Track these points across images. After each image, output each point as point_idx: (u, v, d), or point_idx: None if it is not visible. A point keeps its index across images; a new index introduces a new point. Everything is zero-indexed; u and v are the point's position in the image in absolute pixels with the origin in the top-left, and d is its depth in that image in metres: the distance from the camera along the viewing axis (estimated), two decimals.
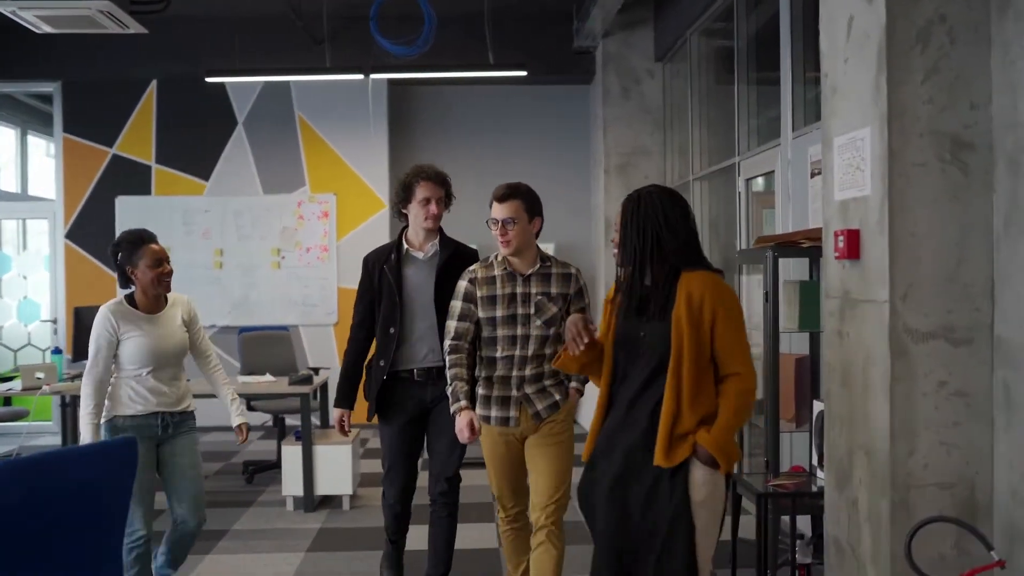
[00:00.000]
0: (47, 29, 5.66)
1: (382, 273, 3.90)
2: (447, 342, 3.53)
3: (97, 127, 8.52)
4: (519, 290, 3.46)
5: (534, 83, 8.54)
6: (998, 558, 2.41)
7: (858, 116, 2.98)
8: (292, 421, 7.29)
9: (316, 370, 6.61)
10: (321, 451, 5.65)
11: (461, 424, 3.45)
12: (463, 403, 3.45)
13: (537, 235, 3.51)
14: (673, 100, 7.93)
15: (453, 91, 8.91)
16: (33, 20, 5.46)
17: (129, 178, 8.52)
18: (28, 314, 8.92)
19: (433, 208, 3.85)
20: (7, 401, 6.79)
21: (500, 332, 3.45)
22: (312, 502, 5.64)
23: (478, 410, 3.51)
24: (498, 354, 3.46)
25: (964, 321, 2.80)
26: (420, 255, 3.92)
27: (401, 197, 3.91)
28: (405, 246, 3.94)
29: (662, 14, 7.89)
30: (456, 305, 3.53)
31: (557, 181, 8.67)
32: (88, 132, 8.53)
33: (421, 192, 3.84)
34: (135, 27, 5.74)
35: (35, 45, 7.71)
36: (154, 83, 8.51)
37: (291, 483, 5.64)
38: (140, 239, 3.79)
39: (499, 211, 3.43)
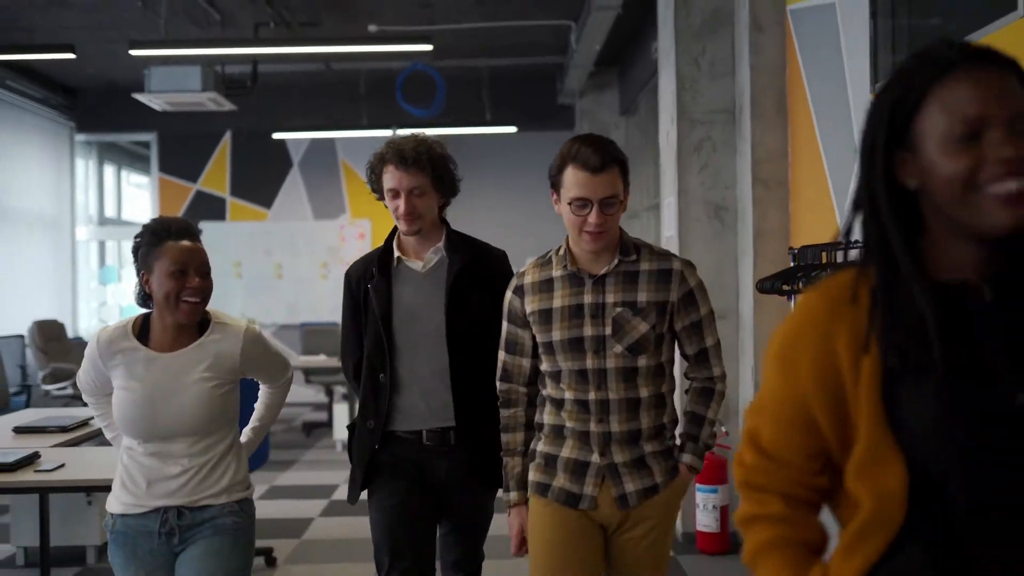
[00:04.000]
0: (167, 108, 7.96)
1: (367, 294, 2.71)
2: (497, 383, 2.48)
3: (184, 168, 10.86)
4: (587, 299, 2.31)
5: (526, 131, 10.77)
6: (724, 430, 4.61)
7: (670, 189, 5.17)
8: (341, 390, 9.57)
9: None
10: None
11: (514, 527, 2.43)
12: (515, 496, 2.41)
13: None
14: (633, 145, 10.11)
15: (460, 140, 11.17)
16: (159, 104, 7.76)
17: (209, 207, 10.85)
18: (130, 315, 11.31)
19: (403, 205, 2.60)
20: None
21: (564, 364, 2.32)
22: None
23: (533, 474, 2.39)
24: (567, 396, 2.32)
25: (720, 308, 4.98)
26: (418, 266, 2.69)
27: (375, 187, 2.71)
28: (396, 254, 2.70)
29: (623, 78, 10.06)
30: (505, 329, 2.45)
31: (543, 215, 10.87)
32: (177, 172, 10.87)
33: (388, 181, 2.63)
34: (228, 106, 8.04)
35: (138, 105, 10.04)
36: (228, 133, 10.83)
37: (340, 429, 7.89)
38: (165, 230, 2.42)
39: (593, 187, 2.24)
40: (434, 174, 2.64)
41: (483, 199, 10.79)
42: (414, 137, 2.67)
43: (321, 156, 10.88)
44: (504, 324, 2.44)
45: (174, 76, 7.39)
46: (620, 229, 2.35)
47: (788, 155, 4.57)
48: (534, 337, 2.37)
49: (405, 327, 2.67)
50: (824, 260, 3.43)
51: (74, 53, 5.84)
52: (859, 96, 3.73)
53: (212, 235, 10.92)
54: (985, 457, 1.14)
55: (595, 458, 2.30)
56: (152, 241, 2.41)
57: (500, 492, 2.57)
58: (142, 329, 2.47)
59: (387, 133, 10.04)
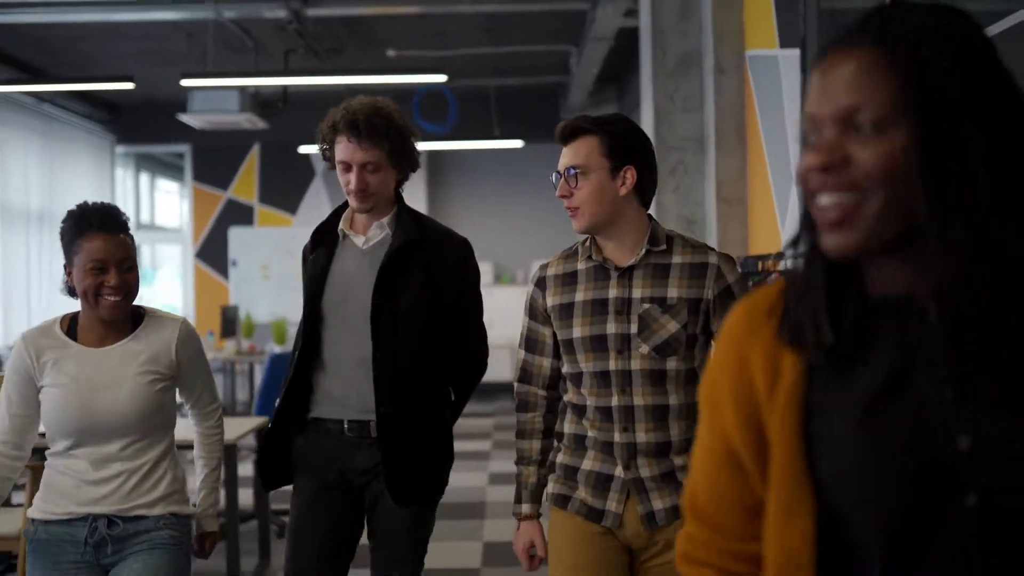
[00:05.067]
0: (205, 127, 8.83)
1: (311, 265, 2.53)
2: (515, 387, 2.28)
3: (216, 177, 11.73)
4: (612, 293, 2.11)
5: (532, 143, 11.61)
6: None
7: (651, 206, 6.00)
8: None
9: None
10: None
11: (521, 542, 2.24)
12: (526, 508, 2.22)
13: (647, 204, 2.20)
14: None
15: (471, 153, 12.03)
16: (200, 123, 8.63)
17: (239, 214, 11.72)
18: None
19: (354, 181, 2.39)
20: None
21: (585, 364, 2.12)
22: None
23: (552, 486, 2.19)
24: (589, 402, 2.12)
25: None
26: (360, 241, 2.49)
27: (326, 157, 2.51)
28: (341, 226, 2.51)
29: (621, 95, 10.90)
30: (525, 325, 2.28)
31: (546, 221, 11.73)
32: (209, 180, 11.75)
33: (339, 153, 2.42)
34: (261, 124, 8.90)
35: (172, 118, 10.92)
36: (257, 146, 11.70)
37: None
38: (86, 220, 2.28)
39: (562, 157, 2.15)
40: (391, 147, 2.40)
41: (491, 207, 11.64)
42: (372, 103, 2.41)
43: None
44: (525, 320, 2.27)
45: (214, 98, 8.27)
46: (650, 217, 2.18)
47: (746, 178, 5.41)
48: (555, 335, 2.19)
49: (335, 306, 2.47)
50: (760, 268, 4.24)
51: (133, 83, 6.69)
52: (795, 131, 4.56)
53: (242, 239, 11.81)
54: (909, 516, 0.90)
55: (619, 471, 2.08)
56: (73, 230, 2.29)
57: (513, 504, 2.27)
58: (71, 325, 2.35)
59: None
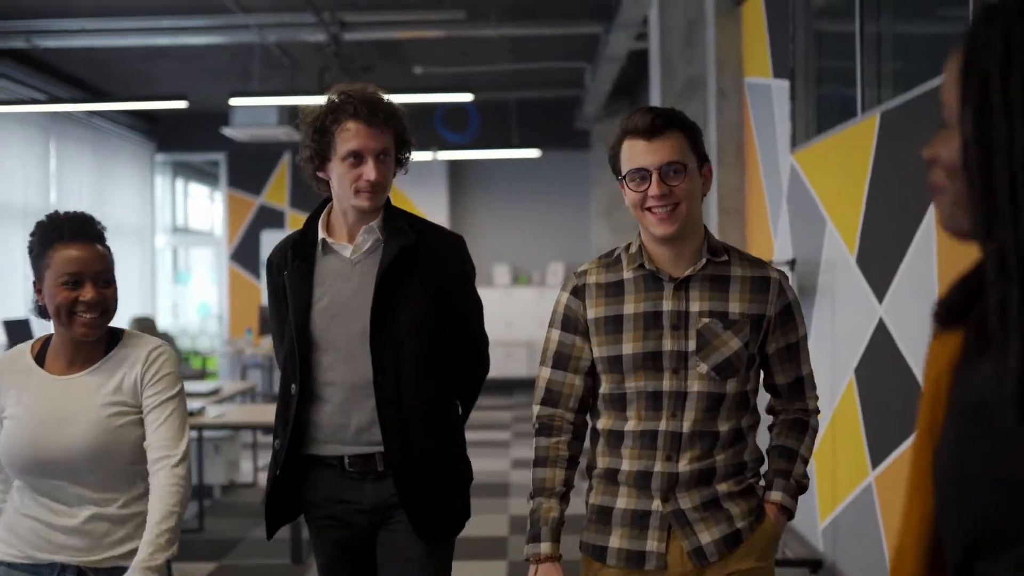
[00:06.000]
0: (246, 140, 9.49)
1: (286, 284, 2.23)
2: (534, 408, 2.04)
3: (249, 183, 12.39)
4: (667, 306, 1.92)
5: (549, 151, 12.24)
6: None
7: None
8: None
9: None
10: None
11: None
12: (546, 547, 1.93)
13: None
14: None
15: (491, 162, 12.66)
16: (241, 136, 9.28)
17: (271, 219, 12.38)
18: (203, 312, 12.89)
19: (372, 172, 2.12)
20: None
21: (632, 384, 1.92)
22: None
23: (585, 533, 1.99)
24: (629, 426, 1.92)
25: None
26: (347, 251, 2.21)
27: (315, 150, 2.17)
28: (321, 235, 2.22)
29: (634, 106, 11.51)
30: (552, 338, 2.02)
31: (564, 226, 12.37)
32: (243, 187, 12.41)
33: (347, 141, 2.12)
34: (295, 136, 9.54)
35: (210, 128, 11.57)
36: (288, 154, 12.36)
37: None
38: (57, 229, 2.05)
39: (647, 154, 1.89)
40: (397, 135, 2.18)
41: (509, 212, 12.28)
42: (367, 86, 2.18)
43: None
44: (554, 333, 2.00)
45: (255, 114, 8.92)
46: (705, 228, 1.97)
47: (744, 190, 6.02)
48: (591, 350, 1.95)
49: (325, 327, 2.18)
50: None
51: (187, 101, 7.35)
52: (784, 153, 5.17)
53: (274, 242, 12.20)
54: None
55: (656, 505, 1.89)
56: (42, 242, 2.04)
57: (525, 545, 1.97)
58: (42, 349, 2.11)
59: (428, 156, 11.57)
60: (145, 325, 10.47)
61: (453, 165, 12.57)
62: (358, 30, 7.80)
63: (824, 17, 5.11)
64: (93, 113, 10.04)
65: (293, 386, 2.21)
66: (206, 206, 13.91)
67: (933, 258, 3.32)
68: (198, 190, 14.01)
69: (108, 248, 2.13)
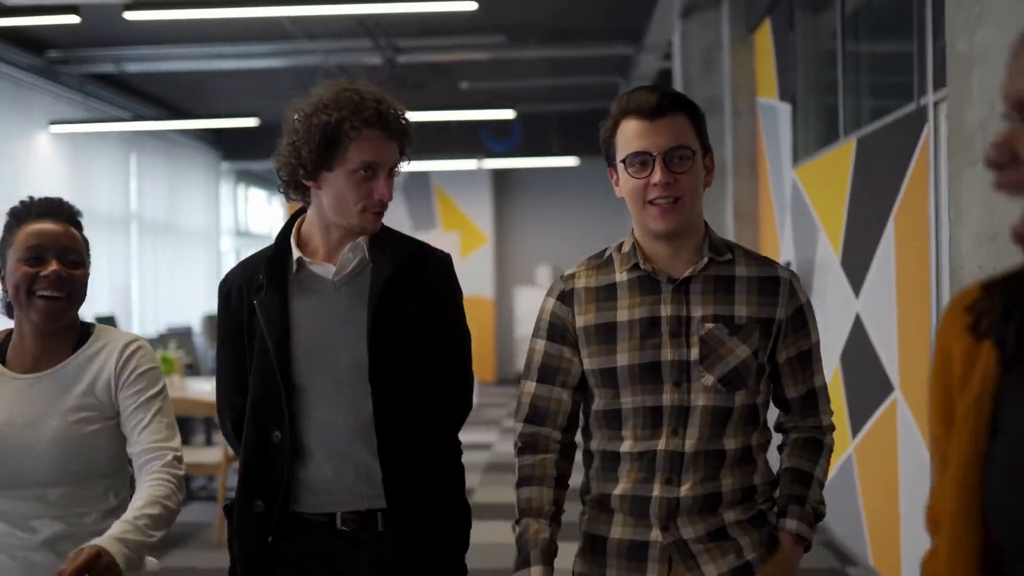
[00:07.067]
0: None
1: (252, 313, 1.92)
2: (516, 426, 1.84)
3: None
4: (666, 311, 1.73)
5: (587, 158, 12.97)
6: None
7: None
8: None
9: None
10: None
11: None
12: (536, 572, 1.72)
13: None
14: None
15: (532, 170, 13.46)
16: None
17: None
18: None
19: (385, 190, 1.88)
20: None
21: (628, 400, 1.73)
22: None
23: (577, 564, 1.81)
24: (625, 447, 1.73)
25: None
26: (328, 272, 1.92)
27: (316, 157, 1.86)
28: (296, 254, 1.92)
29: None
30: (537, 349, 1.82)
31: (600, 231, 13.10)
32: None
33: (364, 152, 1.85)
34: None
35: (271, 139, 12.47)
36: None
37: None
38: (25, 210, 1.87)
39: (651, 136, 1.70)
40: (402, 150, 1.92)
41: (551, 216, 13.07)
42: (377, 90, 1.92)
43: (418, 181, 13.28)
44: (539, 344, 1.81)
45: None
46: (706, 224, 1.79)
47: (757, 199, 6.71)
48: (581, 361, 1.76)
49: (308, 362, 1.89)
50: None
51: (257, 118, 8.19)
52: (787, 167, 5.86)
53: None
54: None
55: (655, 535, 1.70)
56: (9, 226, 1.86)
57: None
58: (3, 344, 1.91)
59: (473, 164, 12.36)
60: (212, 325, 11.43)
61: (497, 173, 13.36)
62: (410, 53, 8.59)
63: (822, 50, 5.81)
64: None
65: (277, 434, 1.87)
66: (263, 209, 14.84)
67: (892, 264, 4.03)
68: (256, 194, 14.95)
69: (83, 235, 1.92)
